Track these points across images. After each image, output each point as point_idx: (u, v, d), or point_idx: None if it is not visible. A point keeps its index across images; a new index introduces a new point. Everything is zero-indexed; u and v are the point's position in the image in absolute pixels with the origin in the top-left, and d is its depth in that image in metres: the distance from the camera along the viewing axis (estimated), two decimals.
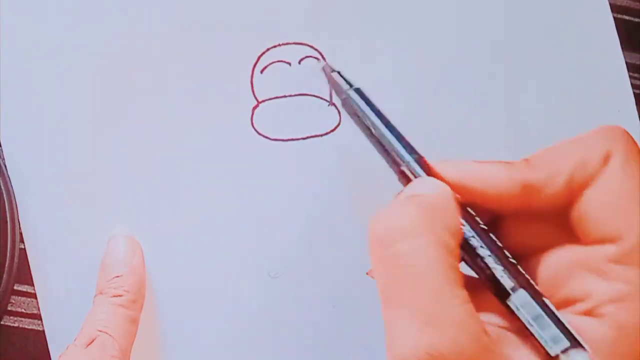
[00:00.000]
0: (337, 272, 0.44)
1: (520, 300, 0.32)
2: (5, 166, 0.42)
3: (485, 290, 0.33)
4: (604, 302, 0.32)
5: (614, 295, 0.32)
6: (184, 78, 0.43)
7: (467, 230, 0.33)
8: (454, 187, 0.34)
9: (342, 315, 0.44)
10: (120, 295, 0.40)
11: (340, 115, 0.44)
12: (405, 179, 0.35)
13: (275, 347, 0.44)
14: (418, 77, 0.45)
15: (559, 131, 0.45)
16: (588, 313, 0.32)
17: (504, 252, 0.33)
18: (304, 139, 0.44)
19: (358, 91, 0.38)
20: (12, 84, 0.42)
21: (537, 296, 0.32)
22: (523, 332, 0.32)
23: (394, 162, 0.35)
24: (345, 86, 0.38)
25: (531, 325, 0.31)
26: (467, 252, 0.33)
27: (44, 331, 0.42)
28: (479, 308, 0.33)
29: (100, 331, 0.39)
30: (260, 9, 0.44)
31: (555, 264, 0.33)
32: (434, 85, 0.45)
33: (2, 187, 0.41)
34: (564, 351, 0.30)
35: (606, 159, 0.33)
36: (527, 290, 0.32)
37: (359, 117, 0.37)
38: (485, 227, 0.33)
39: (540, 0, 0.47)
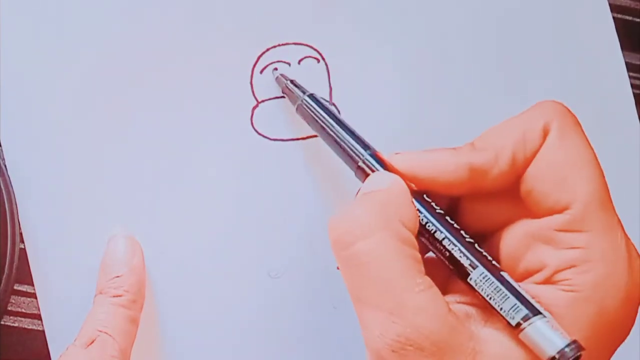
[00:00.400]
0: (337, 272, 0.44)
1: (478, 276, 0.33)
2: (5, 166, 0.42)
3: (443, 270, 0.35)
4: (558, 269, 0.33)
5: (567, 261, 0.33)
6: (183, 78, 0.43)
7: (423, 217, 0.34)
8: (406, 178, 0.35)
9: (342, 315, 0.44)
10: (120, 295, 0.40)
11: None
12: (364, 175, 0.36)
13: (275, 348, 0.44)
14: (417, 77, 0.45)
15: None
16: (546, 281, 0.33)
17: (461, 233, 0.34)
18: (303, 139, 0.44)
19: (311, 97, 0.40)
20: (12, 84, 0.42)
21: (494, 271, 0.33)
22: (488, 308, 0.33)
23: (351, 159, 0.37)
24: (300, 94, 0.41)
25: (491, 299, 0.33)
26: (426, 238, 0.34)
27: (44, 331, 0.42)
28: (448, 290, 0.35)
29: (100, 331, 0.39)
30: (260, 9, 0.44)
31: (513, 239, 0.35)
32: (434, 85, 0.45)
33: (2, 187, 0.41)
34: (524, 319, 0.32)
35: (545, 133, 0.34)
36: (484, 267, 0.33)
37: (315, 121, 0.39)
38: (442, 212, 0.35)
39: (540, 1, 0.47)
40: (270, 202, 0.44)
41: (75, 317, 0.41)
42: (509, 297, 0.32)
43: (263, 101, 0.44)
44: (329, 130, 0.38)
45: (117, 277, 0.41)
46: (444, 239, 0.34)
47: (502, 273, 0.33)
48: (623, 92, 0.48)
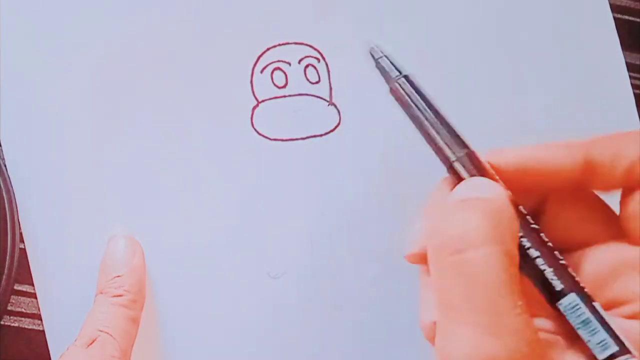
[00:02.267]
0: (338, 272, 0.44)
1: (569, 303, 0.31)
2: (5, 166, 0.42)
3: (534, 292, 0.33)
4: None
5: None
6: (184, 78, 0.43)
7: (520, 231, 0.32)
8: (513, 173, 0.33)
9: (342, 315, 0.44)
10: (120, 295, 0.40)
11: (340, 115, 0.44)
12: (456, 176, 0.34)
13: (275, 348, 0.44)
14: (418, 76, 0.45)
15: (560, 131, 0.45)
16: (636, 316, 0.32)
17: (554, 253, 0.32)
18: (303, 139, 0.44)
19: (408, 79, 0.36)
20: (12, 84, 0.42)
21: (587, 300, 0.31)
22: (571, 335, 0.32)
23: (444, 157, 0.34)
24: (395, 73, 0.36)
25: (579, 329, 0.31)
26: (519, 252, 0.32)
27: (44, 331, 0.42)
28: (530, 311, 0.33)
29: (100, 331, 0.39)
30: (260, 9, 0.44)
31: (602, 262, 0.33)
32: (434, 85, 0.45)
33: (2, 187, 0.41)
34: (612, 357, 0.30)
35: None
36: (577, 294, 0.31)
37: (408, 107, 0.35)
38: (537, 226, 0.33)
39: (540, 1, 0.47)
40: (270, 202, 0.44)
41: (75, 317, 0.41)
42: (599, 331, 0.30)
43: (263, 101, 0.44)
44: (424, 121, 0.35)
45: (118, 277, 0.41)
46: (537, 257, 0.32)
47: (594, 303, 0.31)
48: (623, 92, 0.48)
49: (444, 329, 0.32)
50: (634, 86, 0.48)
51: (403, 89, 0.35)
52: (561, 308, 0.31)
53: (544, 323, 0.33)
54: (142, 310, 0.41)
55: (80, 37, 0.42)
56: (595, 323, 0.31)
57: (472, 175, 0.33)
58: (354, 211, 0.44)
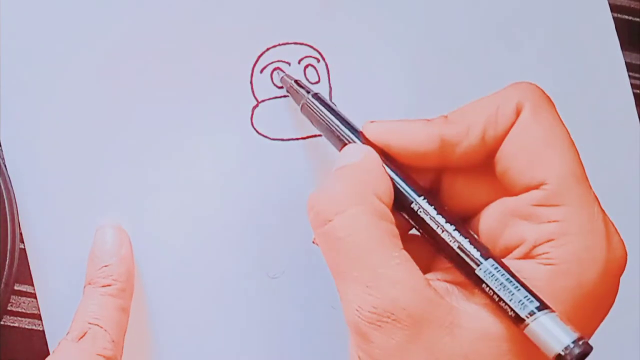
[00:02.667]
0: None
1: (487, 269, 0.33)
2: (5, 166, 0.42)
3: (427, 248, 0.35)
4: (536, 244, 0.33)
5: (545, 235, 0.33)
6: (184, 78, 0.43)
7: (408, 195, 0.35)
8: (377, 147, 0.35)
9: (342, 315, 0.44)
10: (109, 285, 0.40)
11: None
12: None
13: (274, 347, 0.44)
14: (418, 76, 0.45)
15: None
16: (525, 256, 0.34)
17: (446, 215, 0.34)
18: (303, 138, 0.44)
19: (315, 97, 0.40)
20: (12, 84, 0.42)
21: (499, 261, 0.33)
22: (467, 285, 0.34)
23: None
24: (304, 93, 0.40)
25: (499, 291, 0.32)
26: (410, 215, 0.35)
27: (44, 331, 0.42)
28: (431, 268, 0.35)
29: (91, 324, 0.39)
30: (259, 9, 0.44)
31: (491, 218, 0.35)
32: (434, 85, 0.45)
33: (2, 187, 0.41)
34: (531, 313, 0.31)
35: (517, 111, 0.35)
36: (492, 258, 0.33)
37: (318, 121, 0.39)
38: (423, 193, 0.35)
39: (540, 1, 0.47)
40: (270, 202, 0.44)
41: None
42: (519, 290, 0.32)
43: (263, 101, 0.44)
44: (332, 128, 0.38)
45: (106, 266, 0.41)
46: (445, 231, 0.34)
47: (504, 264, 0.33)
48: (623, 92, 0.48)
49: (340, 296, 0.34)
50: (633, 86, 0.48)
51: (310, 106, 0.40)
52: (481, 275, 0.33)
53: (443, 276, 0.35)
54: (132, 300, 0.41)
55: (79, 37, 0.42)
56: (515, 283, 0.32)
57: None
58: None
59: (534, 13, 0.47)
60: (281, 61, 0.44)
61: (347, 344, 0.44)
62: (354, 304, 0.33)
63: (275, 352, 0.44)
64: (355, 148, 0.36)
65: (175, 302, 0.43)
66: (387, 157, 0.35)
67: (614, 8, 0.47)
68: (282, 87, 0.44)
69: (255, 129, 0.44)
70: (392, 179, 0.35)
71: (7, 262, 0.41)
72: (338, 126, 0.38)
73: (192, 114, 0.43)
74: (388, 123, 0.36)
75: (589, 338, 0.32)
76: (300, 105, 0.40)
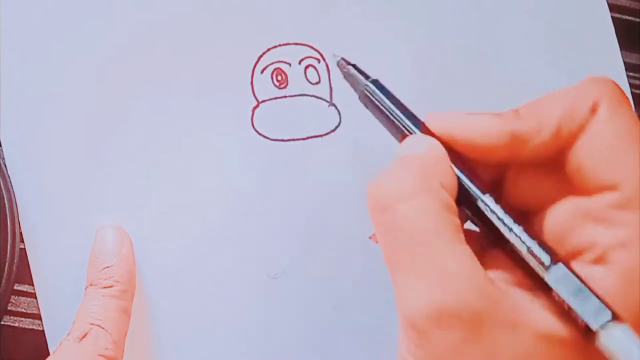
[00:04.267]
0: (337, 272, 0.44)
1: (559, 275, 0.31)
2: (5, 166, 0.42)
3: (491, 248, 0.33)
4: (609, 249, 0.32)
5: (619, 240, 0.32)
6: (184, 79, 0.43)
7: (469, 187, 0.33)
8: (442, 140, 0.34)
9: (342, 315, 0.44)
10: (111, 286, 0.40)
11: (340, 116, 0.44)
12: None
13: (274, 347, 0.44)
14: (418, 76, 0.45)
15: None
16: (595, 261, 0.32)
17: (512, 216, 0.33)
18: (304, 139, 0.44)
19: (375, 83, 0.37)
20: (12, 84, 0.42)
21: (569, 267, 0.32)
22: (533, 288, 0.32)
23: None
24: (362, 79, 0.38)
25: (570, 300, 0.31)
26: (482, 220, 0.33)
27: (44, 331, 0.42)
28: (487, 265, 0.33)
29: (92, 324, 0.39)
30: (260, 10, 0.44)
31: (558, 218, 0.33)
32: (435, 85, 0.45)
33: (2, 187, 0.41)
34: (603, 325, 0.30)
35: (594, 107, 0.33)
36: (563, 263, 0.32)
37: (376, 107, 0.37)
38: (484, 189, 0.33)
39: (539, 1, 0.47)
40: (270, 202, 0.44)
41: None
42: (590, 299, 0.31)
43: (264, 101, 0.44)
44: (393, 118, 0.36)
45: (107, 267, 0.41)
46: (498, 220, 0.33)
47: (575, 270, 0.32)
48: None
49: (397, 289, 0.32)
50: (632, 86, 0.48)
51: (369, 93, 0.37)
52: (550, 282, 0.31)
53: (505, 276, 0.33)
54: (133, 301, 0.41)
55: (80, 37, 0.42)
56: (586, 291, 0.31)
57: None
58: (354, 211, 0.44)
59: (532, 13, 0.47)
60: (282, 62, 0.44)
61: (347, 345, 0.44)
62: (412, 299, 0.31)
63: (276, 352, 0.44)
64: (420, 139, 0.34)
65: (175, 302, 0.43)
66: (451, 150, 0.34)
67: (613, 8, 0.47)
68: (283, 88, 0.44)
69: (255, 129, 0.44)
70: (458, 175, 0.33)
71: (7, 262, 0.41)
72: (398, 115, 0.36)
73: (193, 114, 0.43)
74: (453, 115, 0.34)
75: None
76: (359, 93, 0.38)
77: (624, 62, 0.47)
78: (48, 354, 0.42)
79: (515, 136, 0.33)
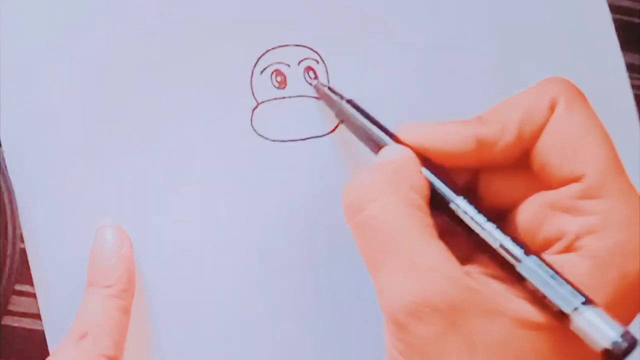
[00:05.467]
0: (337, 271, 0.44)
1: (530, 266, 0.33)
2: (5, 166, 0.42)
3: (463, 244, 0.35)
4: (579, 236, 0.33)
5: (587, 227, 0.33)
6: (183, 80, 0.43)
7: (441, 191, 0.35)
8: (414, 149, 0.36)
9: (342, 315, 0.44)
10: (110, 286, 0.40)
11: None
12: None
13: (274, 347, 0.44)
14: (417, 78, 0.45)
15: None
16: (566, 250, 0.34)
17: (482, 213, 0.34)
18: (303, 140, 0.44)
19: (350, 102, 0.40)
20: (12, 83, 0.42)
21: (542, 259, 0.33)
22: (510, 281, 0.33)
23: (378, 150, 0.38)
24: (338, 99, 0.41)
25: (542, 288, 0.32)
26: (457, 221, 0.34)
27: (44, 331, 0.42)
28: (469, 262, 0.35)
29: (92, 324, 0.39)
30: (259, 11, 0.44)
31: (530, 212, 0.35)
32: (434, 86, 0.45)
33: (2, 187, 0.41)
34: (576, 309, 0.31)
35: (552, 105, 0.35)
36: (535, 255, 0.33)
37: (352, 123, 0.40)
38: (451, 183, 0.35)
39: (539, 1, 0.47)
40: (270, 203, 0.44)
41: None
42: (562, 285, 0.32)
43: (263, 102, 0.44)
44: (368, 132, 0.39)
45: (107, 267, 0.41)
46: (471, 220, 0.34)
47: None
48: (623, 92, 0.48)
49: (376, 286, 0.33)
50: (633, 86, 0.48)
51: (347, 111, 0.40)
52: (523, 272, 0.33)
53: (481, 269, 0.34)
54: (133, 300, 0.41)
55: (80, 36, 0.42)
56: (558, 279, 0.32)
57: None
58: None
59: (532, 14, 0.47)
60: (281, 63, 0.44)
61: (349, 341, 0.44)
62: (391, 295, 0.32)
63: (276, 352, 0.44)
64: (393, 148, 0.36)
65: (175, 302, 0.43)
66: (424, 158, 0.36)
67: (613, 8, 0.47)
68: (282, 89, 0.44)
69: (255, 130, 0.44)
70: (429, 179, 0.35)
71: (7, 262, 0.41)
72: (373, 131, 0.38)
73: (192, 115, 0.43)
74: (422, 125, 0.36)
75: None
76: (335, 111, 0.41)
77: (625, 63, 0.47)
78: (48, 354, 0.42)
79: (480, 141, 0.35)
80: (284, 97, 0.44)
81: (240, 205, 0.43)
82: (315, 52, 0.44)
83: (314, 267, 0.44)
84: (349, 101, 0.40)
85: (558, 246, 0.34)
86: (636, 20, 0.49)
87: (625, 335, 0.31)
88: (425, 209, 0.34)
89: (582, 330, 0.31)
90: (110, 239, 0.42)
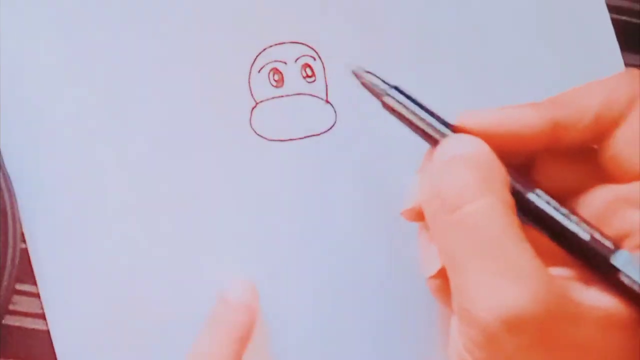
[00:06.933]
0: (337, 271, 0.44)
1: (624, 259, 0.32)
2: (5, 165, 0.42)
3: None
4: None
5: None
6: (181, 80, 0.43)
7: (533, 194, 0.33)
8: (484, 136, 0.34)
9: (342, 315, 0.44)
10: (232, 329, 0.40)
11: (336, 114, 0.44)
12: None
13: (276, 349, 0.44)
14: (414, 74, 0.45)
15: None
16: (637, 247, 0.32)
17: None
18: (301, 138, 0.44)
19: (397, 89, 0.37)
20: (11, 84, 0.42)
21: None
22: (585, 278, 0.32)
23: (434, 141, 0.36)
24: (383, 86, 0.37)
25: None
26: (535, 213, 0.33)
27: (45, 330, 0.42)
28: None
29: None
30: (255, 10, 0.44)
31: (596, 204, 0.34)
32: (431, 83, 0.45)
33: (3, 187, 0.41)
34: None
35: (632, 99, 0.34)
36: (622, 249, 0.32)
37: (401, 115, 0.37)
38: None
39: (538, 2, 0.47)
40: (269, 203, 0.44)
41: (80, 316, 0.42)
42: None
43: (261, 102, 0.44)
44: (421, 121, 0.36)
45: (235, 311, 0.41)
46: (555, 210, 0.33)
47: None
48: None
49: (460, 288, 0.32)
50: None
51: (396, 99, 0.37)
52: (618, 264, 0.32)
53: (559, 271, 0.33)
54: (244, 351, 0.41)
55: (79, 38, 0.43)
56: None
57: None
58: (353, 209, 0.44)
59: (531, 15, 0.47)
60: (278, 61, 0.44)
61: (348, 341, 0.44)
62: (483, 299, 0.31)
63: (276, 352, 0.44)
64: (465, 139, 0.34)
65: (173, 301, 0.43)
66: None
67: (612, 9, 0.47)
68: (280, 87, 0.44)
69: (253, 129, 0.44)
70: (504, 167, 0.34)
71: (8, 262, 0.41)
72: (426, 119, 0.36)
73: (191, 116, 0.43)
74: (487, 111, 0.35)
75: None
76: (382, 101, 0.37)
77: (625, 64, 0.47)
78: (50, 353, 0.42)
79: (557, 123, 0.34)
80: (281, 96, 0.44)
81: (240, 205, 0.44)
82: (311, 48, 0.44)
83: (313, 266, 0.44)
84: (396, 88, 0.37)
85: (629, 242, 0.33)
86: (636, 20, 0.49)
87: None
88: (514, 208, 0.33)
89: None
90: (242, 289, 0.42)
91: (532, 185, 0.34)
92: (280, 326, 0.43)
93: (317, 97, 0.44)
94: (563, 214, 0.33)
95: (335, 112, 0.44)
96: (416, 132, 0.36)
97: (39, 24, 0.43)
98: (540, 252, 0.32)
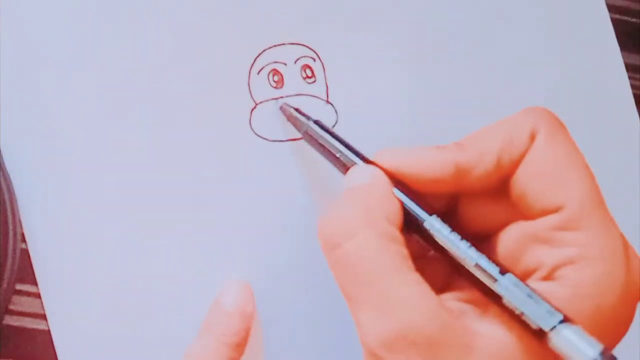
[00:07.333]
0: None
1: (508, 283, 0.33)
2: (5, 166, 0.42)
3: (442, 268, 0.35)
4: (556, 267, 0.33)
5: (565, 259, 0.33)
6: (181, 81, 0.43)
7: (428, 217, 0.34)
8: (392, 175, 0.35)
9: (341, 315, 0.44)
10: (226, 336, 0.41)
11: (337, 114, 0.44)
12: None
13: (275, 346, 0.44)
14: (414, 75, 0.45)
15: None
16: (545, 279, 0.34)
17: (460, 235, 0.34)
18: (301, 139, 0.44)
19: (317, 123, 0.40)
20: (12, 84, 0.42)
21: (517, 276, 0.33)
22: (481, 303, 0.34)
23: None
24: (305, 120, 0.41)
25: (521, 306, 0.32)
26: (431, 241, 0.34)
27: (45, 330, 0.42)
28: (448, 288, 0.35)
29: None
30: (254, 11, 0.44)
31: (510, 242, 0.35)
32: (431, 84, 0.46)
33: (3, 187, 0.41)
34: (555, 327, 0.31)
35: (532, 136, 0.35)
36: (513, 274, 0.33)
37: (320, 145, 0.40)
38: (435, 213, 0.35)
39: (538, 2, 0.47)
40: (269, 203, 0.44)
41: (80, 316, 0.42)
42: (540, 303, 0.32)
43: (261, 102, 0.44)
44: (336, 153, 0.38)
45: (228, 317, 0.41)
46: (445, 238, 0.34)
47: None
48: (623, 93, 0.48)
49: (354, 319, 0.34)
50: (633, 87, 0.48)
51: (315, 131, 0.40)
52: (501, 290, 0.33)
53: (458, 295, 0.35)
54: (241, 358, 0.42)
55: (79, 37, 0.43)
56: (536, 297, 0.32)
57: None
58: None
59: (531, 15, 0.47)
60: (278, 62, 0.44)
61: (347, 346, 0.44)
62: (368, 329, 0.33)
63: (277, 352, 0.44)
64: (363, 169, 0.36)
65: (173, 301, 0.43)
66: (395, 179, 0.35)
67: (612, 9, 0.47)
68: (279, 88, 0.44)
69: (253, 130, 0.44)
70: (402, 200, 0.35)
71: (8, 262, 0.41)
72: (341, 151, 0.38)
73: (192, 116, 0.44)
74: (399, 150, 0.36)
75: None
76: (303, 133, 0.41)
77: (625, 63, 0.47)
78: (50, 353, 0.42)
79: (459, 167, 0.35)
80: (281, 97, 0.44)
81: (240, 205, 0.44)
82: (311, 49, 0.44)
83: (313, 267, 0.44)
84: (317, 122, 0.40)
85: (536, 276, 0.34)
86: (636, 20, 0.49)
87: (604, 352, 0.31)
88: (401, 239, 0.34)
89: (561, 349, 0.31)
90: (237, 293, 0.42)
91: (431, 212, 0.34)
92: (279, 325, 0.44)
93: (317, 97, 0.44)
94: (452, 241, 0.34)
95: (336, 112, 0.44)
96: (331, 161, 0.39)
97: (39, 24, 0.43)
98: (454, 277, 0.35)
